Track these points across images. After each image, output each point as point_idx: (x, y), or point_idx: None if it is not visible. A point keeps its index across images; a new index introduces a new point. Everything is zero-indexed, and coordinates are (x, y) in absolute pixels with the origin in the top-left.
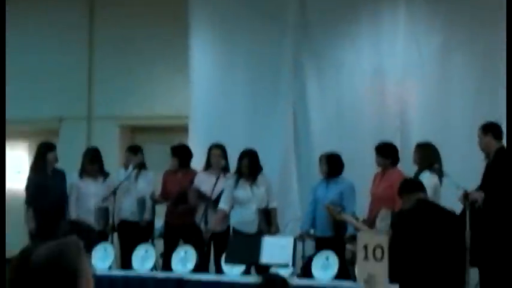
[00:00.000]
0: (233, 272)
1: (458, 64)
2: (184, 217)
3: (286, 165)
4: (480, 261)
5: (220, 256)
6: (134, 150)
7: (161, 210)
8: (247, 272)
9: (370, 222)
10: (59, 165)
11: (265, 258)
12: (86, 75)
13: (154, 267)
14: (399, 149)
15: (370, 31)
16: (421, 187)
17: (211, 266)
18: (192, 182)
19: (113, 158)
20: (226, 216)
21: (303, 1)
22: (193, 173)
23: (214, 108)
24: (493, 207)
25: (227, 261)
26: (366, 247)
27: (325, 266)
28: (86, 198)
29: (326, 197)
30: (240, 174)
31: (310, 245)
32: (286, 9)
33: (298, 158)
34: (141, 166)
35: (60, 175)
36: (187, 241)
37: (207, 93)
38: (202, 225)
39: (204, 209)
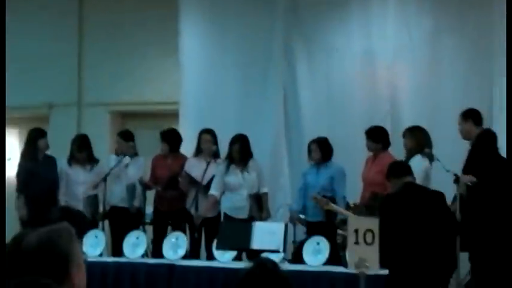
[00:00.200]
0: (224, 257)
1: (449, 47)
2: (173, 203)
3: (277, 150)
4: (470, 246)
5: (212, 242)
6: (125, 136)
7: (152, 196)
8: (238, 257)
9: (362, 207)
10: (49, 152)
11: (256, 243)
12: (75, 61)
13: (146, 254)
14: (390, 133)
15: (360, 14)
16: (408, 171)
17: (203, 252)
18: (182, 167)
19: (103, 144)
20: (216, 202)
21: None
22: (183, 158)
23: (204, 93)
24: (476, 191)
25: (218, 247)
26: (356, 231)
27: (316, 251)
28: (74, 185)
29: (317, 182)
30: (231, 159)
31: (301, 230)
32: None
33: (288, 142)
34: (134, 153)
35: (51, 162)
36: (176, 227)
37: (197, 78)
38: (192, 211)
39: (194, 195)
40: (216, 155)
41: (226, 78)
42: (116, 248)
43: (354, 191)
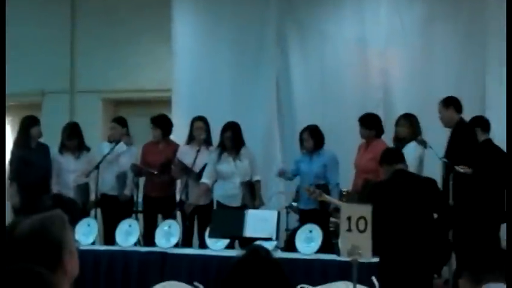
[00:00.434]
0: (217, 245)
1: (442, 34)
2: (164, 189)
3: (269, 137)
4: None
5: (204, 230)
6: (121, 121)
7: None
8: (231, 245)
9: (354, 194)
10: (42, 139)
11: (249, 231)
12: (68, 48)
13: (138, 242)
14: (382, 120)
15: (353, 1)
16: (401, 158)
17: (195, 240)
18: (175, 154)
19: (96, 131)
20: (208, 190)
21: None
22: (174, 144)
23: (197, 80)
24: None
25: (211, 235)
26: (349, 219)
27: (308, 239)
28: (65, 173)
29: (311, 170)
30: (223, 147)
31: (294, 217)
32: None
33: (281, 129)
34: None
35: (44, 149)
36: (167, 215)
37: (190, 65)
38: (183, 198)
39: (184, 183)
40: (208, 142)
41: (219, 66)
42: (108, 236)
43: (346, 178)
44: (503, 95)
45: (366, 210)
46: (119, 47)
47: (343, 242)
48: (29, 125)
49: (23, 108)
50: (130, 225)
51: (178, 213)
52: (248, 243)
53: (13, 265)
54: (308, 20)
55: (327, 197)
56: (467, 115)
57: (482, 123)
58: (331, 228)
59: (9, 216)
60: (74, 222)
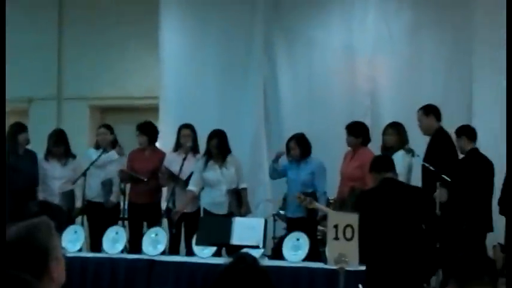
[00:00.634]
0: (204, 253)
1: (428, 41)
2: (150, 196)
3: (257, 144)
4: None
5: (191, 237)
6: (110, 128)
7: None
8: (218, 253)
9: (340, 202)
10: (29, 146)
11: (236, 239)
12: (55, 55)
13: (125, 249)
14: (369, 127)
15: (340, 8)
16: (391, 167)
17: (182, 247)
18: (161, 161)
19: (83, 138)
20: (195, 198)
21: None
22: (161, 152)
23: (184, 87)
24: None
25: (198, 242)
26: (336, 227)
27: (295, 247)
28: (51, 180)
29: (299, 178)
30: (209, 155)
31: (281, 225)
32: None
33: (268, 136)
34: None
35: (32, 156)
36: (151, 220)
37: (177, 72)
38: (170, 206)
39: (171, 190)
40: (195, 150)
41: (207, 73)
42: (95, 243)
43: (333, 186)
44: (503, 97)
45: (353, 218)
46: (106, 54)
47: (330, 250)
48: (16, 132)
49: (10, 115)
50: (117, 233)
51: (165, 221)
52: (235, 250)
53: None
54: (295, 27)
55: (317, 205)
56: (453, 123)
57: (468, 132)
58: (319, 237)
59: None
60: (60, 229)
